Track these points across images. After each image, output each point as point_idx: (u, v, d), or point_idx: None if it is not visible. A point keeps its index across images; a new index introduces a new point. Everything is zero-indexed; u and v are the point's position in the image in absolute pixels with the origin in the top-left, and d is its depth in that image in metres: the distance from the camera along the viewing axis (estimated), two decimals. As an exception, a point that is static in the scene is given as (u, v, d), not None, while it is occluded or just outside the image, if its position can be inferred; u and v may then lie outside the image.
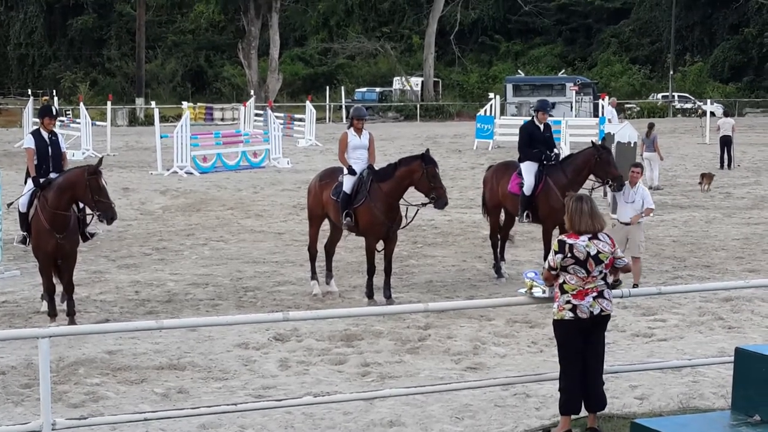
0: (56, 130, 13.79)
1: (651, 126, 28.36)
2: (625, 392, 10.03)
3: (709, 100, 56.69)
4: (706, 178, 27.66)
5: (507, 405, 9.76)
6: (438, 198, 13.87)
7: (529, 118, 16.90)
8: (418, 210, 14.29)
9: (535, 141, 15.85)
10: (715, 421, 8.08)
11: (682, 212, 23.40)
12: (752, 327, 12.84)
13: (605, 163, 15.44)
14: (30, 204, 13.12)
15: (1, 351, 11.54)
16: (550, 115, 17.53)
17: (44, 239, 12.82)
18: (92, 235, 13.74)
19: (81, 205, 13.09)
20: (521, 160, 15.94)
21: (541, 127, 16.02)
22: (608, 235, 8.77)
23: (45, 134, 13.44)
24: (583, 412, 8.73)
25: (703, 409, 9.24)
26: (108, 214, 12.60)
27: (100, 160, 13.32)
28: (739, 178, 30.16)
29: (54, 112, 14.03)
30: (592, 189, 15.64)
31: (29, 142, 13.53)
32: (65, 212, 12.73)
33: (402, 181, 14.03)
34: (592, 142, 16.30)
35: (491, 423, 9.28)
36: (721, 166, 32.90)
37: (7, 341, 11.40)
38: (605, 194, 23.00)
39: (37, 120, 14.65)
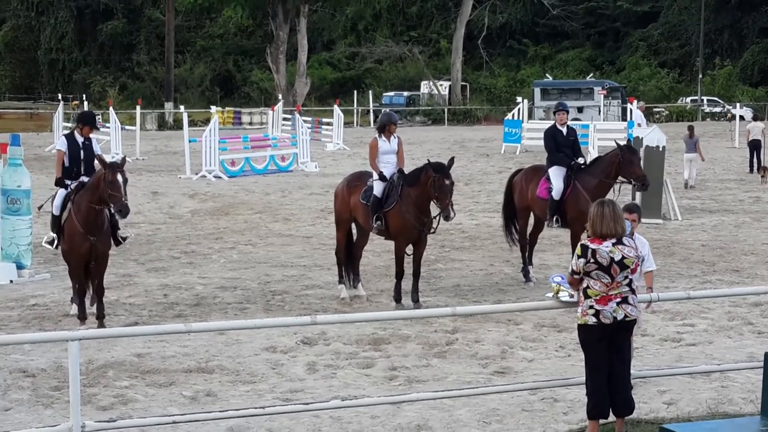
0: (90, 134, 13.90)
1: (691, 128, 28.99)
2: (654, 397, 9.99)
3: (738, 104, 56.31)
4: (767, 171, 29.59)
5: (535, 409, 9.74)
6: (441, 210, 13.78)
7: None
8: (438, 218, 14.15)
9: (560, 145, 15.84)
10: (745, 426, 8.04)
11: (711, 216, 23.27)
12: (782, 332, 12.76)
13: (628, 163, 15.49)
14: (63, 207, 13.22)
15: (32, 354, 11.62)
16: (577, 119, 17.58)
17: (77, 242, 12.89)
18: (124, 239, 13.79)
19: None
20: (549, 165, 15.94)
21: (564, 130, 15.98)
22: (633, 239, 8.73)
23: (79, 138, 13.53)
24: (612, 417, 8.71)
25: (732, 415, 9.19)
26: (117, 207, 12.48)
27: (123, 159, 13.43)
28: (769, 182, 29.98)
29: (96, 124, 14.00)
30: (620, 188, 15.68)
31: (61, 144, 13.68)
32: (99, 206, 12.72)
33: (425, 187, 14.00)
34: (615, 141, 16.31)
35: (519, 427, 9.26)
36: (751, 170, 32.72)
37: (38, 344, 11.51)
38: (633, 197, 22.93)
39: (70, 124, 14.73)
